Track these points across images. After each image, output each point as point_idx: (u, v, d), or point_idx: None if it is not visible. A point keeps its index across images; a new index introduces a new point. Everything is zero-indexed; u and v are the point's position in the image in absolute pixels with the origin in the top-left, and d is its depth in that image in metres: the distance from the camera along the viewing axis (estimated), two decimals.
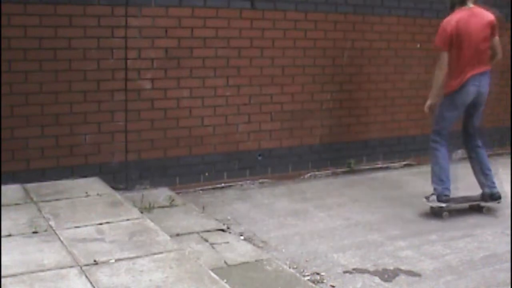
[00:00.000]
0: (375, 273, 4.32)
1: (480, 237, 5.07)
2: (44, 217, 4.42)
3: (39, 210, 4.57)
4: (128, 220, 4.42)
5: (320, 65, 6.68)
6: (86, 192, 5.06)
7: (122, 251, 3.85)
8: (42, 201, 4.77)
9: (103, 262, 3.66)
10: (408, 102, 7.38)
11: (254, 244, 4.69)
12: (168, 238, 4.15)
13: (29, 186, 5.15)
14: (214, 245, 4.49)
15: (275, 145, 6.55)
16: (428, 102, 5.50)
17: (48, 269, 3.53)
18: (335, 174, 6.93)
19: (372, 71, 7.06)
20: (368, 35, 6.94)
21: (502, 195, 5.66)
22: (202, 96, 6.04)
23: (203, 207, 5.51)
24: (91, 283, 3.38)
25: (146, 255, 3.79)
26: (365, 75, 7.02)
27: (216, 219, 5.16)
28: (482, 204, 5.67)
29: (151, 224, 4.38)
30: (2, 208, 4.51)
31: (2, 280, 3.35)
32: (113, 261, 3.69)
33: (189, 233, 4.71)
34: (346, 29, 6.77)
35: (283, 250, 4.68)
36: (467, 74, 5.32)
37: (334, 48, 6.74)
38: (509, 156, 7.86)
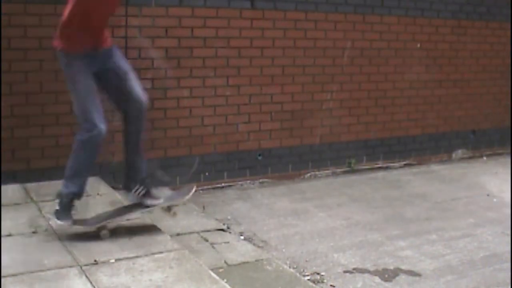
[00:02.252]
0: (375, 272, 4.32)
1: (480, 237, 5.07)
2: (44, 217, 4.42)
3: (39, 210, 4.57)
4: (128, 219, 4.42)
5: (320, 65, 6.68)
6: (86, 192, 5.04)
7: (122, 250, 3.84)
8: (42, 201, 4.76)
9: (103, 262, 3.66)
10: (408, 102, 7.38)
11: (254, 244, 4.69)
12: (168, 237, 4.14)
13: (29, 186, 5.14)
14: (214, 245, 4.49)
15: (275, 145, 6.54)
16: None
17: (48, 269, 3.53)
18: (335, 174, 6.92)
19: (372, 71, 7.06)
20: (368, 35, 6.94)
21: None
22: (202, 96, 6.04)
23: (203, 207, 5.50)
24: (91, 283, 3.38)
25: (146, 255, 3.78)
26: (365, 75, 7.01)
27: (216, 219, 5.16)
28: None
29: (151, 224, 4.37)
30: (2, 208, 4.51)
31: (2, 280, 3.34)
32: (113, 261, 3.69)
33: (189, 233, 4.71)
34: (346, 29, 6.77)
35: (283, 250, 4.68)
36: None
37: (334, 48, 6.73)
38: (509, 156, 7.86)
